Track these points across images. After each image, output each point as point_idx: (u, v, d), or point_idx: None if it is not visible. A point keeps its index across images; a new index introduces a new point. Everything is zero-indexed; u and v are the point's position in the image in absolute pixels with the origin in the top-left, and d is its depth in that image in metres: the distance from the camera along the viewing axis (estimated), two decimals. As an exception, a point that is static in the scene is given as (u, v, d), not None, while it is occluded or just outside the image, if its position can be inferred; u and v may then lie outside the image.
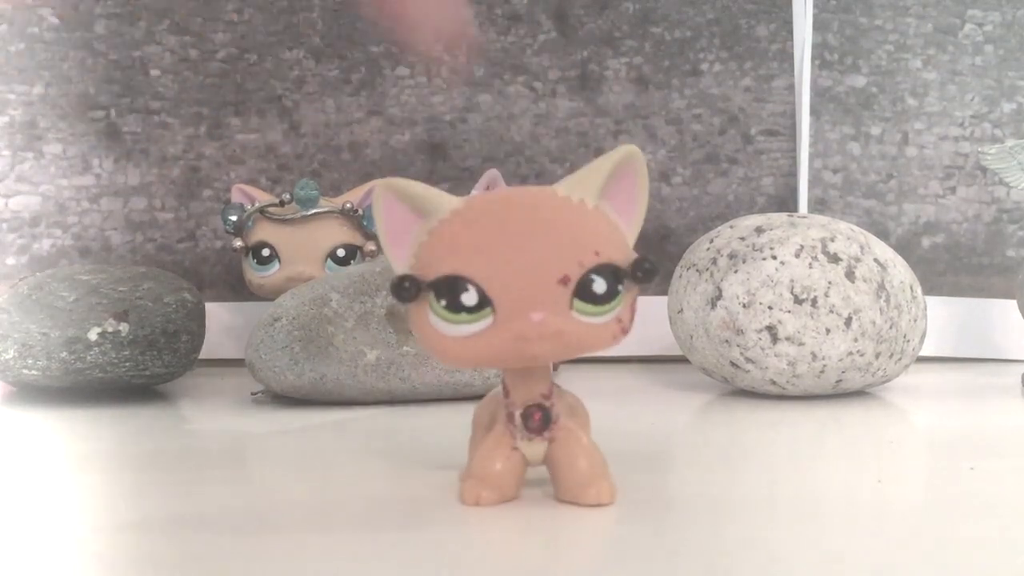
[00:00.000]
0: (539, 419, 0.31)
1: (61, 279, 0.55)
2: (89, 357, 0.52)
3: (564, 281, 0.29)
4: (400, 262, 0.31)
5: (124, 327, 0.53)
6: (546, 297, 0.29)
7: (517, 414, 0.31)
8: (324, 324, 0.50)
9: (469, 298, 0.29)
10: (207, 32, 0.71)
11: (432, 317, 0.29)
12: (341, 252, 0.61)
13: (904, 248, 0.70)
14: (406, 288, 0.29)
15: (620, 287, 0.30)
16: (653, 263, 0.30)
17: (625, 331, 0.30)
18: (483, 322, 0.29)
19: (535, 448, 0.32)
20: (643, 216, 0.31)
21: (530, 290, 0.29)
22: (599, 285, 0.29)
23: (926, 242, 0.71)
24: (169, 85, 0.71)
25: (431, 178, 0.71)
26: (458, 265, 0.29)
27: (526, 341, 0.29)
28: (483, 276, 0.29)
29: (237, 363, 0.63)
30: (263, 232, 0.61)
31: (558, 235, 0.29)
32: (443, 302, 0.29)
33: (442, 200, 0.30)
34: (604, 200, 0.30)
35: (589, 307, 0.29)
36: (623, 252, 0.30)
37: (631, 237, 0.31)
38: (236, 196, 0.62)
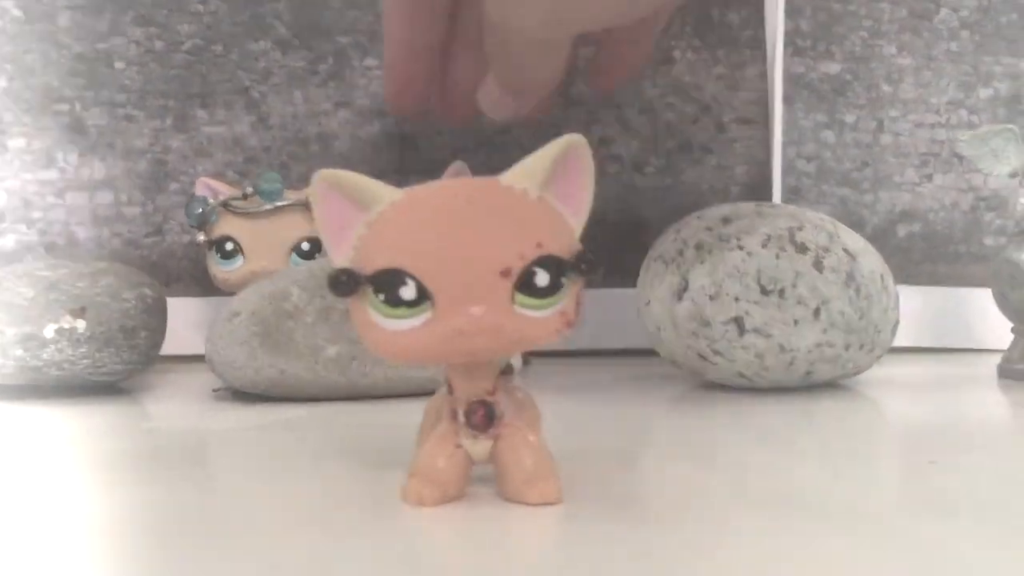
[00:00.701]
0: (482, 416, 0.30)
1: (20, 275, 0.54)
2: (45, 355, 0.51)
3: (505, 274, 0.28)
4: (339, 255, 0.30)
5: (81, 324, 0.52)
6: (486, 290, 0.28)
7: (460, 411, 0.30)
8: (284, 319, 0.50)
9: (407, 292, 0.28)
10: (172, 23, 0.70)
11: (371, 312, 0.29)
12: (306, 246, 0.60)
13: (880, 237, 0.70)
14: (343, 282, 0.28)
15: (563, 280, 0.29)
16: (596, 255, 0.29)
17: (570, 324, 0.29)
18: (422, 316, 0.28)
19: (480, 446, 0.31)
20: (589, 206, 0.30)
21: (469, 283, 0.28)
22: (541, 278, 0.28)
23: (902, 231, 0.71)
24: (134, 77, 0.70)
25: (400, 170, 0.70)
26: (396, 258, 0.28)
27: (465, 336, 0.28)
28: (422, 269, 0.28)
29: (202, 358, 0.62)
30: (227, 226, 0.60)
31: (499, 226, 0.28)
32: (381, 296, 0.28)
33: (382, 191, 0.30)
34: (547, 190, 0.30)
35: (531, 300, 0.28)
36: (567, 244, 0.29)
37: (577, 228, 0.30)
38: (200, 189, 0.61)
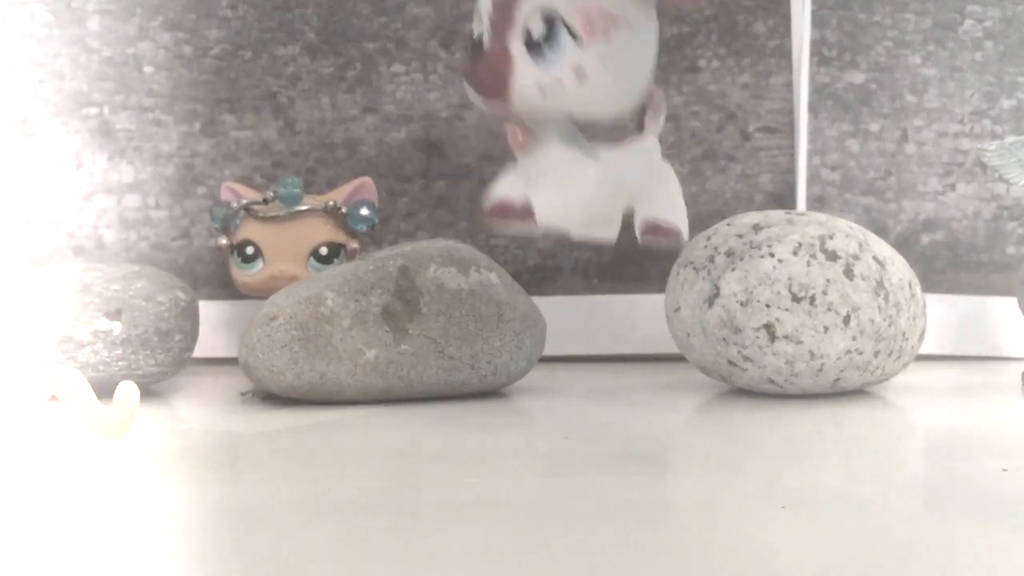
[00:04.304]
0: None
1: (54, 277, 0.55)
2: (81, 356, 0.52)
3: None
4: None
5: (117, 326, 0.52)
6: None
7: None
8: (321, 323, 0.50)
9: None
10: (201, 28, 0.70)
11: None
12: (324, 250, 0.60)
13: (903, 245, 0.70)
14: None
15: None
16: None
17: None
18: None
19: None
20: None
21: None
22: None
23: (925, 239, 0.71)
24: (163, 82, 0.70)
25: (426, 175, 0.70)
26: None
27: None
28: None
29: (230, 362, 0.63)
30: (248, 230, 0.61)
31: None
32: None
33: None
34: None
35: None
36: None
37: None
38: (225, 194, 0.62)
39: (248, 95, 0.70)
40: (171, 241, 0.70)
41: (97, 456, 0.41)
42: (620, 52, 0.29)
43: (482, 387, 0.53)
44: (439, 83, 0.71)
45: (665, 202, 0.34)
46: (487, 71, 0.28)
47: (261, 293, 0.59)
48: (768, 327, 0.50)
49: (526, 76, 0.28)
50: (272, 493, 0.35)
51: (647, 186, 0.33)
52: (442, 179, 0.70)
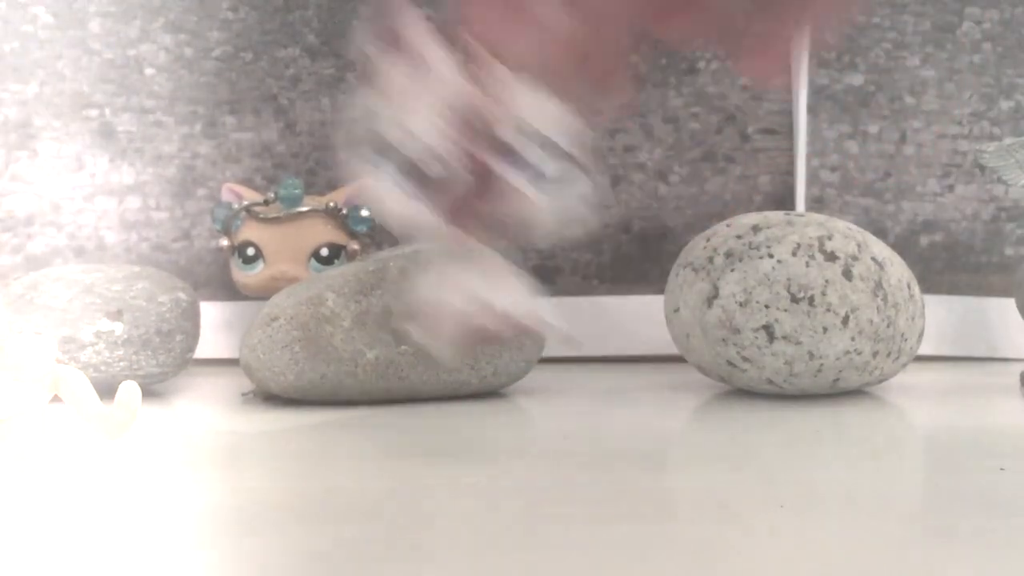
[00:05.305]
0: None
1: (55, 278, 0.55)
2: (83, 357, 0.52)
3: None
4: None
5: (118, 326, 0.52)
6: None
7: None
8: (322, 324, 0.50)
9: None
10: (202, 30, 0.70)
11: None
12: (325, 251, 0.61)
13: (902, 246, 0.70)
14: None
15: None
16: None
17: None
18: None
19: None
20: None
21: None
22: None
23: (924, 240, 0.71)
24: (164, 84, 0.70)
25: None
26: None
27: None
28: None
29: (231, 362, 0.63)
30: (249, 231, 0.61)
31: None
32: None
33: None
34: None
35: None
36: None
37: None
38: (226, 195, 0.62)
39: (249, 97, 0.70)
40: (172, 242, 0.70)
41: (98, 456, 0.41)
42: None
43: (482, 387, 0.53)
44: (439, 85, 0.71)
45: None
46: None
47: (262, 294, 0.60)
48: (767, 328, 0.50)
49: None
50: (272, 493, 0.35)
51: None
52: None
